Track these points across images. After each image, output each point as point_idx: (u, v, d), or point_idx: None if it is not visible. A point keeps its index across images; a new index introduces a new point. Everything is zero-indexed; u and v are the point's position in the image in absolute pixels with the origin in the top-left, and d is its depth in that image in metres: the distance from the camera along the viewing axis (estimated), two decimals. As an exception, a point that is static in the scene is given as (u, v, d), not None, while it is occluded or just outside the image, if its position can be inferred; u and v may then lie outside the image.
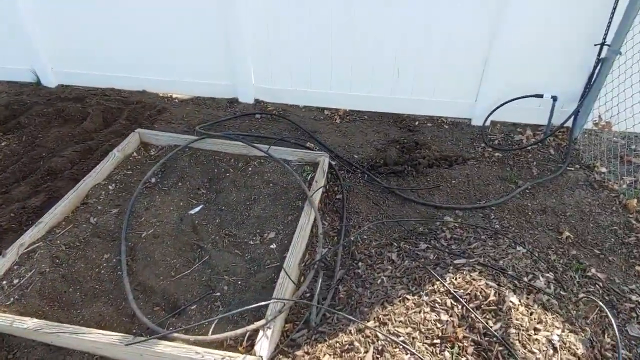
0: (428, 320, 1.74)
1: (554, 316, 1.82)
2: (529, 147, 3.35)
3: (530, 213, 2.75)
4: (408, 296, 1.90)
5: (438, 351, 1.65)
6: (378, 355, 1.66)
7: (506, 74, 3.35)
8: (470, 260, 2.09)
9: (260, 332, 1.85)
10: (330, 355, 1.73)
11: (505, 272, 2.03)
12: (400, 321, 1.78)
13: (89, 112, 3.64)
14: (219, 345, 1.87)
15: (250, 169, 2.97)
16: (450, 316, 1.74)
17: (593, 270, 2.33)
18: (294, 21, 3.43)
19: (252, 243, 2.45)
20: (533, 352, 1.62)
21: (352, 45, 3.47)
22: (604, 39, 3.01)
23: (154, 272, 2.25)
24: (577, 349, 1.68)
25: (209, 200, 2.77)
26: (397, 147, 3.38)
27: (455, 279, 1.94)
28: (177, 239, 2.45)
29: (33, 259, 2.25)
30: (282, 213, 2.62)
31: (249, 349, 1.84)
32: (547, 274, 2.18)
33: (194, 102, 4.02)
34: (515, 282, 1.99)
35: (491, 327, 1.68)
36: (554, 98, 3.29)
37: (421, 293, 1.88)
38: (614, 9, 2.88)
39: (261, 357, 1.75)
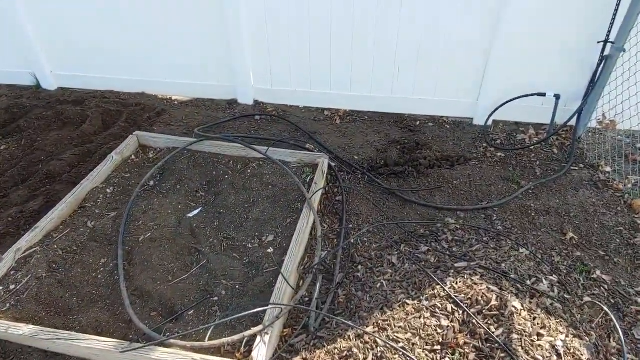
0: (428, 326, 1.71)
1: (557, 321, 1.78)
2: (532, 147, 3.30)
3: (533, 214, 2.70)
4: (408, 301, 1.87)
5: (438, 358, 1.61)
6: (377, 362, 1.63)
7: (508, 72, 3.30)
8: (472, 263, 2.05)
9: (258, 338, 1.82)
10: (328, 361, 1.70)
11: (508, 276, 1.99)
12: (400, 327, 1.75)
13: (88, 115, 3.63)
14: (216, 351, 1.85)
15: (249, 171, 2.94)
16: (451, 322, 1.70)
17: (598, 272, 2.28)
18: (294, 21, 3.40)
19: (250, 246, 2.42)
20: (536, 359, 1.58)
21: (352, 45, 3.44)
22: (608, 36, 2.95)
23: (151, 276, 2.22)
24: (582, 355, 1.64)
25: (207, 203, 2.75)
26: (397, 147, 3.34)
27: (456, 283, 1.90)
28: (175, 242, 2.43)
29: (30, 264, 2.23)
30: (281, 215, 2.59)
31: (247, 355, 1.81)
32: (551, 277, 2.14)
33: (193, 103, 3.99)
34: (518, 285, 1.95)
35: (493, 332, 1.64)
36: (557, 96, 3.24)
37: (421, 298, 1.84)
38: (618, 5, 2.83)
39: (258, 363, 1.72)
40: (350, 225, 2.62)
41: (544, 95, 3.28)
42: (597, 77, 3.09)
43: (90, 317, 2.01)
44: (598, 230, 2.58)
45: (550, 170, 3.08)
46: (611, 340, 1.85)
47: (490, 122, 3.54)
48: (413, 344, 1.67)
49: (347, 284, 2.22)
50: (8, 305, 2.04)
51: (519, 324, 1.68)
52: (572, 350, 1.63)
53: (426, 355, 1.63)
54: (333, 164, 3.09)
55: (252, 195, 2.74)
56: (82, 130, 3.47)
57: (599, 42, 3.02)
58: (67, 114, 3.63)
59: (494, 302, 1.75)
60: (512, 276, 2.00)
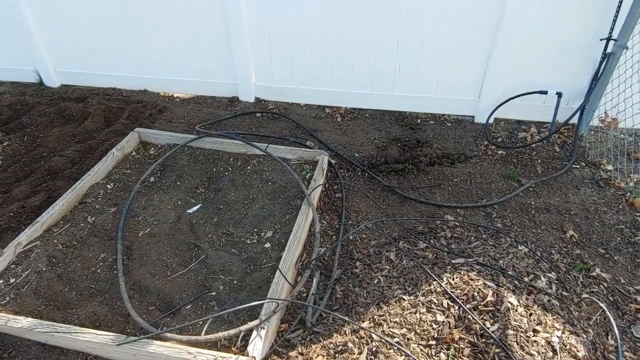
0: (424, 321, 1.70)
1: (554, 317, 1.77)
2: (533, 145, 3.28)
3: (533, 212, 2.69)
4: (404, 296, 1.86)
5: (433, 353, 1.61)
6: (372, 357, 1.63)
7: (509, 70, 3.29)
8: (469, 259, 2.05)
9: (254, 332, 1.82)
10: (323, 356, 1.71)
11: (505, 272, 1.98)
12: (395, 322, 1.75)
13: (91, 112, 3.65)
14: (212, 345, 1.85)
15: (249, 167, 2.95)
16: (447, 317, 1.70)
17: (597, 270, 2.27)
18: (294, 19, 3.40)
19: (249, 242, 2.43)
20: (531, 355, 1.57)
21: (353, 43, 3.44)
22: (610, 33, 2.93)
23: (150, 271, 2.23)
24: (578, 351, 1.63)
25: (207, 199, 2.76)
26: (398, 145, 3.33)
27: (453, 279, 1.89)
28: (174, 238, 2.44)
29: (30, 258, 2.25)
30: (280, 212, 2.59)
31: (243, 350, 1.81)
32: (550, 274, 2.13)
33: (194, 101, 4.01)
34: (516, 282, 1.94)
35: (488, 328, 1.64)
36: (559, 94, 3.22)
37: (417, 293, 1.84)
38: (620, 2, 2.81)
39: (254, 357, 1.73)
40: (350, 222, 2.62)
41: (545, 93, 3.27)
42: (599, 74, 3.07)
43: (88, 310, 2.03)
44: (599, 228, 2.57)
45: (551, 168, 3.07)
46: (609, 337, 1.84)
47: (491, 120, 3.52)
48: (408, 339, 1.67)
49: (344, 279, 2.22)
50: (8, 298, 2.06)
51: (515, 320, 1.67)
52: (568, 347, 1.62)
53: (421, 350, 1.62)
54: (333, 161, 3.09)
55: (251, 191, 2.75)
56: (84, 127, 3.50)
57: (601, 40, 3.00)
58: (70, 110, 3.66)
59: (490, 298, 1.74)
60: (510, 273, 1.99)
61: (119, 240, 2.36)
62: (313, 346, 1.80)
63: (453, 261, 2.08)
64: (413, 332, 1.68)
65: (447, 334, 1.64)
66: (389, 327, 1.72)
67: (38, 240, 2.36)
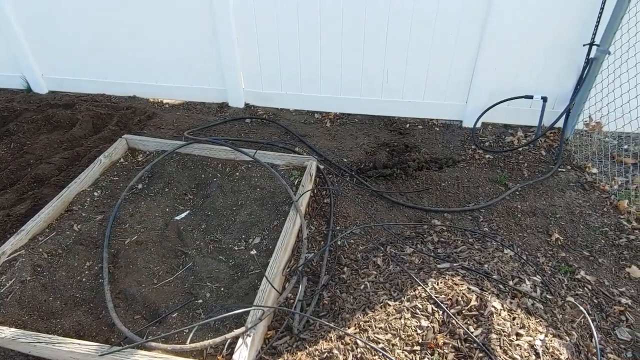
0: (408, 327, 1.71)
1: (537, 321, 1.78)
2: (520, 149, 3.32)
3: (519, 215, 2.71)
4: (389, 302, 1.87)
5: (418, 358, 1.62)
6: (357, 363, 1.63)
7: (496, 75, 3.33)
8: (454, 264, 2.06)
9: (240, 340, 1.82)
10: (309, 363, 1.70)
11: (490, 277, 1.99)
12: (380, 327, 1.75)
13: (79, 119, 3.63)
14: (198, 353, 1.85)
15: (237, 174, 2.95)
16: (431, 322, 1.71)
17: (582, 273, 2.29)
18: (284, 25, 3.42)
19: (236, 249, 2.43)
20: (514, 358, 1.58)
21: (341, 49, 3.46)
22: (593, 39, 2.98)
23: (136, 279, 2.22)
24: (561, 354, 1.65)
25: (195, 205, 2.75)
26: (386, 150, 3.35)
27: (437, 284, 1.90)
28: (161, 245, 2.43)
29: (14, 267, 2.23)
30: (268, 218, 2.59)
31: (229, 358, 1.81)
32: (534, 277, 2.14)
33: (184, 107, 4.01)
34: (500, 286, 1.96)
35: (472, 332, 1.65)
36: (544, 99, 3.26)
37: (402, 299, 1.85)
38: (602, 9, 2.86)
39: (239, 365, 1.72)
40: (338, 228, 2.63)
41: (531, 97, 3.31)
42: (583, 79, 3.11)
43: (73, 320, 2.01)
44: (583, 231, 2.59)
45: (537, 172, 3.10)
46: (592, 340, 1.86)
47: (479, 125, 3.55)
48: (393, 345, 1.67)
49: (332, 285, 2.22)
50: (-9, 308, 2.04)
51: (498, 324, 1.68)
52: (551, 350, 1.63)
53: (405, 355, 1.63)
54: (322, 167, 3.10)
55: (240, 198, 2.75)
56: (72, 133, 3.48)
57: (584, 45, 3.05)
58: (57, 117, 3.64)
59: (473, 303, 1.75)
60: (495, 277, 2.01)
61: (105, 248, 2.34)
62: (299, 353, 1.80)
63: (439, 266, 2.09)
64: (398, 338, 1.68)
65: (431, 339, 1.64)
66: (374, 333, 1.73)
67: (23, 249, 2.34)
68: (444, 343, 1.62)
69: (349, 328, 1.82)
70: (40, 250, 2.33)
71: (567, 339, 1.73)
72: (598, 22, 2.92)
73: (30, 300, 2.08)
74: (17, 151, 3.32)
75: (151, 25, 3.63)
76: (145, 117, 3.76)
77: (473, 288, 1.83)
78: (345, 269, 2.32)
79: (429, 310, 1.75)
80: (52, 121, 3.63)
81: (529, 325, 1.71)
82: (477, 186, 2.98)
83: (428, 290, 1.84)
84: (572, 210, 2.74)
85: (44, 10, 3.71)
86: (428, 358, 1.60)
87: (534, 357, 1.59)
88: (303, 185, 2.73)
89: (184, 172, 2.99)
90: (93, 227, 2.52)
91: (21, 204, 2.76)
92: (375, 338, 1.70)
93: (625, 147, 3.28)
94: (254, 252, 2.36)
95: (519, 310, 1.78)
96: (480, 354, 1.56)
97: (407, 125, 3.68)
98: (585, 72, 3.09)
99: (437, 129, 3.64)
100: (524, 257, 2.32)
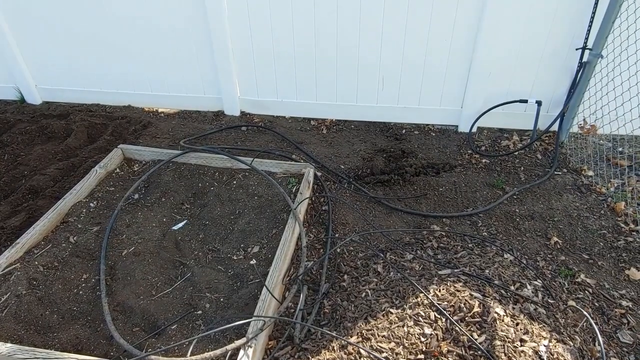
0: (411, 335, 1.70)
1: (541, 326, 1.78)
2: (516, 153, 3.33)
3: (518, 219, 2.72)
4: (392, 310, 1.86)
5: (422, 366, 1.60)
6: (361, 373, 1.61)
7: (491, 80, 3.35)
8: (455, 270, 2.05)
9: (241, 352, 1.79)
10: (312, 373, 1.68)
11: (491, 282, 1.99)
12: (383, 336, 1.74)
13: (73, 129, 3.60)
14: (199, 366, 1.82)
15: (234, 182, 2.93)
16: (434, 330, 1.70)
17: (582, 276, 2.29)
18: (279, 33, 3.43)
19: (235, 258, 2.40)
20: (519, 365, 1.57)
21: (336, 56, 3.47)
22: (585, 43, 3.01)
23: (134, 291, 2.19)
24: (565, 360, 1.64)
25: (192, 215, 2.73)
26: (383, 156, 3.35)
27: (439, 291, 1.89)
28: (159, 256, 2.40)
29: (9, 281, 2.19)
30: (266, 226, 2.58)
31: (230, 369, 1.78)
32: (535, 282, 2.14)
33: (179, 115, 3.99)
34: (502, 291, 1.95)
35: (476, 339, 1.64)
36: (539, 103, 3.29)
37: (405, 306, 1.84)
38: (594, 13, 2.89)
39: (241, 377, 1.70)
40: (337, 235, 2.62)
41: (525, 101, 3.33)
42: (576, 83, 3.14)
43: (70, 334, 1.97)
44: (582, 234, 2.60)
45: (534, 176, 3.11)
46: (595, 344, 1.86)
47: (474, 129, 3.57)
48: (397, 353, 1.66)
49: (332, 293, 2.20)
50: (-14, 324, 2.00)
51: (502, 330, 1.68)
52: (555, 355, 1.63)
53: (410, 364, 1.62)
54: (319, 174, 3.09)
55: (237, 206, 2.73)
56: (67, 144, 3.45)
57: (577, 49, 3.08)
58: (52, 128, 3.61)
59: (476, 309, 1.74)
60: (496, 282, 2.00)
61: (102, 260, 2.31)
62: (301, 363, 1.78)
63: (440, 272, 2.08)
64: (401, 346, 1.67)
65: (435, 347, 1.63)
66: (377, 342, 1.71)
67: (18, 262, 2.30)
68: (448, 351, 1.61)
69: (351, 337, 1.80)
70: (36, 263, 2.30)
71: (571, 343, 1.72)
72: (590, 26, 2.95)
73: (27, 314, 2.05)
74: (11, 162, 3.29)
75: (146, 34, 3.62)
76: (140, 127, 3.73)
77: (475, 294, 1.83)
78: (346, 276, 2.30)
79: (432, 317, 1.74)
80: (47, 132, 3.60)
81: (533, 331, 1.71)
82: (474, 191, 2.98)
83: (430, 297, 1.83)
84: (570, 213, 2.75)
85: (38, 20, 3.69)
86: (432, 366, 1.58)
87: (538, 362, 1.58)
88: (301, 193, 2.72)
89: (180, 182, 2.97)
90: (89, 238, 2.49)
91: (15, 216, 2.72)
92: (378, 347, 1.68)
93: (620, 149, 3.31)
94: (254, 262, 2.34)
95: (521, 316, 1.78)
96: (485, 361, 1.55)
97: (403, 131, 3.69)
98: (579, 75, 3.12)
99: (433, 134, 3.65)
100: (524, 262, 2.32)
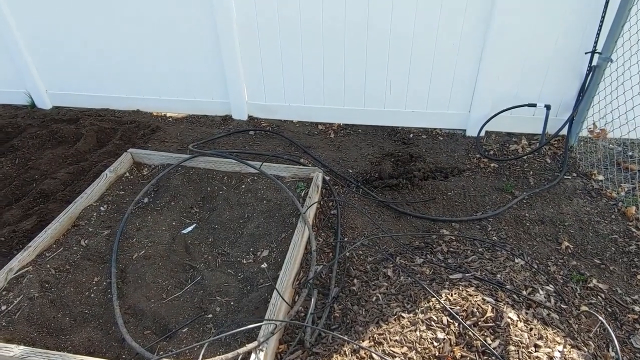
0: (424, 339, 1.69)
1: (554, 331, 1.76)
2: (525, 157, 3.32)
3: (528, 224, 2.71)
4: (403, 314, 1.85)
5: (435, 371, 1.60)
6: (373, 377, 1.61)
7: (499, 84, 3.35)
8: (467, 274, 2.05)
9: (253, 355, 1.79)
10: (324, 377, 1.68)
11: (503, 287, 1.98)
12: (395, 340, 1.73)
13: (83, 133, 3.63)
14: (210, 369, 1.82)
15: (243, 186, 2.94)
16: (447, 334, 1.69)
17: (594, 281, 2.28)
18: (286, 39, 3.45)
19: (245, 262, 2.41)
20: (533, 370, 1.56)
21: (344, 61, 3.48)
22: (594, 46, 3.01)
23: (145, 294, 2.20)
24: (580, 365, 1.63)
25: (202, 219, 2.74)
26: (391, 160, 3.35)
27: (451, 295, 1.89)
28: (169, 259, 2.41)
29: (22, 284, 2.20)
30: (275, 230, 2.58)
31: (241, 373, 1.78)
32: (547, 287, 2.13)
33: (187, 120, 4.01)
34: (514, 296, 1.94)
35: (489, 344, 1.63)
36: (547, 107, 3.28)
37: (417, 310, 1.83)
38: (603, 17, 2.89)
39: (253, 381, 1.70)
40: (346, 239, 2.62)
41: (534, 105, 3.33)
42: (586, 87, 3.13)
43: (82, 336, 1.98)
44: (593, 238, 2.58)
45: (543, 180, 3.10)
46: (609, 349, 1.84)
47: (483, 133, 3.56)
48: (409, 358, 1.65)
49: (342, 298, 2.20)
50: (-1, 326, 2.01)
51: (516, 335, 1.66)
52: (569, 361, 1.61)
53: (423, 369, 1.61)
54: (327, 178, 3.09)
55: (246, 210, 2.74)
56: (77, 148, 3.48)
57: (586, 53, 3.08)
58: (62, 132, 3.64)
59: (489, 314, 1.73)
60: (508, 287, 1.99)
61: (113, 263, 2.33)
62: (313, 367, 1.77)
63: (451, 276, 2.07)
64: (414, 351, 1.66)
65: (448, 352, 1.62)
66: (389, 346, 1.71)
67: (30, 265, 2.32)
68: (462, 356, 1.60)
69: (363, 341, 1.80)
70: (48, 266, 2.31)
71: (585, 349, 1.71)
72: (599, 30, 2.95)
73: (39, 317, 2.06)
74: (22, 167, 3.32)
75: (156, 41, 3.65)
76: (149, 131, 3.76)
77: (488, 299, 1.82)
78: (355, 280, 2.30)
79: (444, 322, 1.73)
80: (57, 136, 3.63)
81: (547, 336, 1.70)
82: (483, 195, 2.97)
83: (442, 301, 1.82)
84: (581, 217, 2.74)
85: (49, 27, 3.73)
86: (446, 371, 1.58)
87: (552, 368, 1.57)
88: (310, 197, 2.73)
89: (189, 186, 2.98)
90: (100, 242, 2.50)
91: (27, 219, 2.75)
92: (391, 351, 1.67)
93: (630, 153, 3.29)
94: (264, 265, 2.34)
95: (535, 321, 1.76)
96: (499, 366, 1.54)
97: (411, 135, 3.69)
98: (588, 79, 3.11)
99: (441, 138, 3.64)
100: (535, 266, 2.31)
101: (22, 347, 1.86)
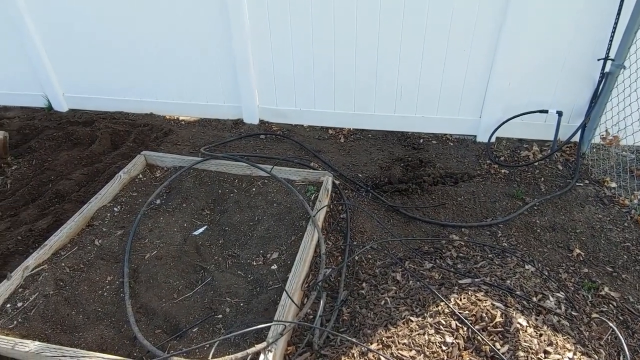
0: (433, 343, 1.69)
1: (565, 338, 1.75)
2: (536, 163, 3.31)
3: (539, 230, 2.69)
4: (412, 318, 1.85)
5: (443, 375, 1.60)
6: (381, 380, 1.61)
7: (510, 90, 3.35)
8: (476, 280, 2.04)
9: (262, 356, 1.81)
10: (332, 379, 1.69)
11: (513, 292, 1.97)
12: (404, 343, 1.73)
13: (98, 136, 3.71)
14: (219, 369, 1.84)
15: (254, 189, 2.97)
16: (456, 338, 1.69)
17: (606, 289, 2.25)
18: (297, 44, 3.49)
19: (255, 264, 2.43)
20: (543, 376, 1.55)
21: (355, 67, 3.51)
22: (607, 53, 2.99)
23: (157, 294, 2.23)
24: (590, 373, 1.61)
25: (212, 221, 2.78)
26: (401, 165, 3.36)
27: (460, 300, 1.88)
28: (180, 260, 2.45)
29: (37, 281, 2.26)
30: (285, 233, 2.60)
31: (250, 373, 1.80)
32: (558, 294, 2.11)
33: (199, 123, 4.07)
34: (524, 302, 1.93)
35: (498, 349, 1.62)
36: (559, 113, 3.26)
37: (425, 314, 1.83)
38: (616, 24, 2.88)
39: (262, 381, 1.71)
40: (355, 243, 2.63)
41: (546, 112, 3.31)
42: (598, 93, 3.12)
43: (95, 334, 2.02)
44: (605, 246, 2.56)
45: (555, 187, 3.08)
46: (621, 357, 1.82)
47: (493, 139, 3.56)
48: (417, 362, 1.65)
49: (351, 301, 2.21)
50: (15, 322, 2.06)
51: (525, 341, 1.66)
52: (579, 368, 1.60)
53: (431, 373, 1.61)
54: (337, 182, 3.11)
55: (257, 213, 2.77)
56: (92, 150, 3.55)
57: (599, 60, 3.06)
58: (77, 134, 3.72)
59: (498, 319, 1.73)
60: (518, 293, 1.98)
61: (126, 263, 2.37)
62: (321, 369, 1.78)
63: (460, 281, 2.07)
64: (422, 354, 1.66)
65: (456, 356, 1.62)
66: (397, 349, 1.71)
67: (45, 263, 2.37)
68: (470, 360, 1.60)
69: (371, 344, 1.81)
70: (63, 264, 2.36)
71: (596, 357, 1.69)
72: (612, 36, 2.94)
73: (54, 314, 2.10)
74: (39, 167, 3.40)
75: (168, 45, 3.72)
76: (162, 134, 3.82)
77: (497, 304, 1.81)
78: (364, 284, 2.31)
79: (453, 326, 1.74)
80: (72, 138, 3.71)
81: (557, 343, 1.69)
82: (493, 201, 2.96)
83: (451, 306, 1.82)
84: (593, 225, 2.71)
85: (67, 32, 3.83)
86: (454, 375, 1.58)
87: (562, 375, 1.56)
88: (320, 201, 2.75)
89: (201, 188, 3.02)
90: (114, 242, 2.55)
91: (43, 219, 2.81)
92: (399, 355, 1.68)
93: (644, 161, 3.25)
94: (274, 267, 2.36)
95: (545, 327, 1.75)
96: (508, 372, 1.54)
97: (421, 140, 3.69)
98: (601, 86, 3.09)
99: (451, 144, 3.64)
100: (546, 273, 2.29)
101: (37, 342, 1.90)
